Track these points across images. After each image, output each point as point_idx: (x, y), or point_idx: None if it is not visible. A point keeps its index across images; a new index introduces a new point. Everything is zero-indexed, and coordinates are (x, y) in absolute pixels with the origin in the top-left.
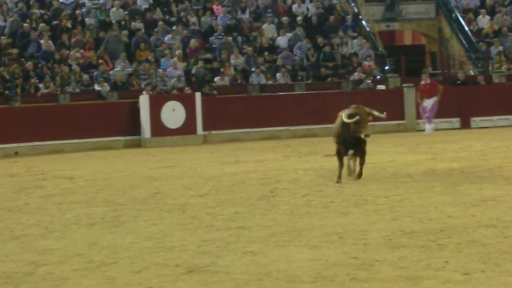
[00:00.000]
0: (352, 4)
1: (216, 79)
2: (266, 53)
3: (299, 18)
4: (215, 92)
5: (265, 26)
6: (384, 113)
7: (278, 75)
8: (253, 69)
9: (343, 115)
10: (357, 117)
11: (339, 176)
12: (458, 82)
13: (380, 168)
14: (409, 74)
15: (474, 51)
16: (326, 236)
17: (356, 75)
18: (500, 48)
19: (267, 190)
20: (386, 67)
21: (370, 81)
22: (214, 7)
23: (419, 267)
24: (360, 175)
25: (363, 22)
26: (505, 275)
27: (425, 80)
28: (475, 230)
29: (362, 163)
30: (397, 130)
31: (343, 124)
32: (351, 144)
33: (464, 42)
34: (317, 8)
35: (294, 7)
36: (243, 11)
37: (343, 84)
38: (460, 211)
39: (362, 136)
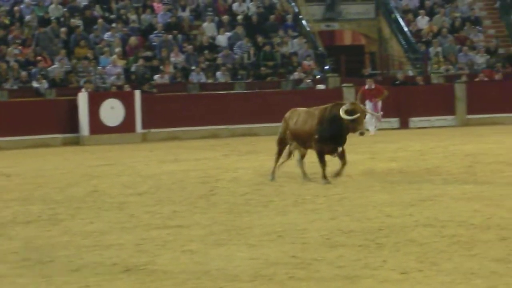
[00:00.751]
0: (293, 4)
1: (156, 77)
2: (206, 51)
3: (239, 17)
4: (154, 90)
5: (205, 24)
6: (381, 112)
7: (218, 73)
8: (193, 67)
9: (341, 111)
10: (358, 114)
11: (325, 176)
12: (397, 82)
13: (319, 167)
14: (348, 74)
15: (413, 52)
16: (265, 235)
17: (296, 75)
18: (439, 49)
19: (206, 188)
20: (326, 67)
21: (310, 80)
22: (154, 4)
23: (357, 266)
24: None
25: (303, 21)
26: (442, 274)
27: (369, 86)
28: (413, 229)
29: (344, 163)
30: None
31: (331, 120)
32: (338, 141)
33: (403, 42)
34: (258, 7)
35: (235, 5)
36: (184, 9)
37: (283, 83)
38: (398, 211)
39: (358, 133)
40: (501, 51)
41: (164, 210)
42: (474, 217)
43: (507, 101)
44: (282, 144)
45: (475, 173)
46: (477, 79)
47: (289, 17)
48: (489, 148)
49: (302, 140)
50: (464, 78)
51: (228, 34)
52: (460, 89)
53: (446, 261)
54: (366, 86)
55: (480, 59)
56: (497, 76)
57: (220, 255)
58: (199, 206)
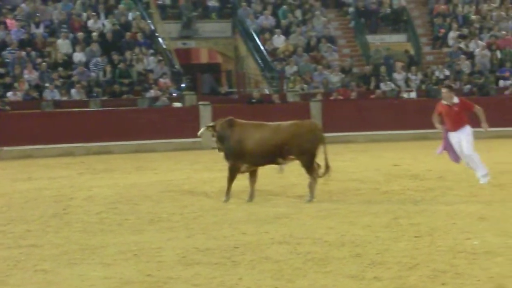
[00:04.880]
0: (149, 21)
1: (8, 94)
2: (60, 68)
3: (94, 34)
4: (7, 107)
5: (59, 41)
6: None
7: (73, 91)
8: (47, 84)
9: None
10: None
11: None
12: (253, 100)
13: (175, 185)
14: (205, 92)
15: (269, 70)
16: (120, 253)
17: (152, 92)
18: (295, 67)
19: (60, 207)
20: (183, 85)
21: (166, 98)
22: (8, 21)
23: (213, 284)
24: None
25: (160, 39)
26: None
27: (448, 100)
28: (269, 247)
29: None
30: (193, 147)
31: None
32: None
33: (259, 61)
34: (113, 25)
35: (90, 22)
36: (37, 26)
37: (140, 101)
38: (253, 228)
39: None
40: (355, 70)
41: (16, 229)
42: (328, 234)
43: (361, 120)
44: None
45: (330, 190)
46: (332, 98)
47: (145, 34)
48: (344, 166)
49: None
50: (319, 97)
51: (83, 51)
52: (315, 108)
53: (301, 278)
54: (444, 101)
55: (335, 78)
56: (352, 95)
57: (73, 274)
58: (52, 225)
